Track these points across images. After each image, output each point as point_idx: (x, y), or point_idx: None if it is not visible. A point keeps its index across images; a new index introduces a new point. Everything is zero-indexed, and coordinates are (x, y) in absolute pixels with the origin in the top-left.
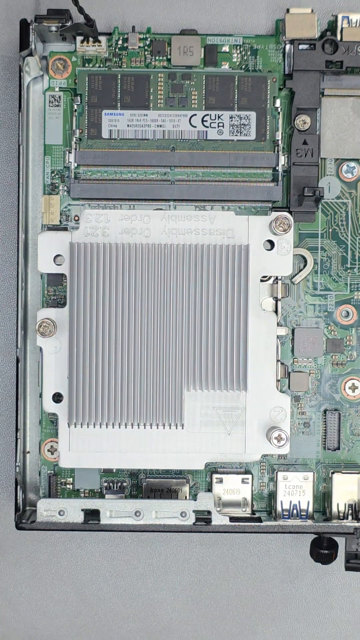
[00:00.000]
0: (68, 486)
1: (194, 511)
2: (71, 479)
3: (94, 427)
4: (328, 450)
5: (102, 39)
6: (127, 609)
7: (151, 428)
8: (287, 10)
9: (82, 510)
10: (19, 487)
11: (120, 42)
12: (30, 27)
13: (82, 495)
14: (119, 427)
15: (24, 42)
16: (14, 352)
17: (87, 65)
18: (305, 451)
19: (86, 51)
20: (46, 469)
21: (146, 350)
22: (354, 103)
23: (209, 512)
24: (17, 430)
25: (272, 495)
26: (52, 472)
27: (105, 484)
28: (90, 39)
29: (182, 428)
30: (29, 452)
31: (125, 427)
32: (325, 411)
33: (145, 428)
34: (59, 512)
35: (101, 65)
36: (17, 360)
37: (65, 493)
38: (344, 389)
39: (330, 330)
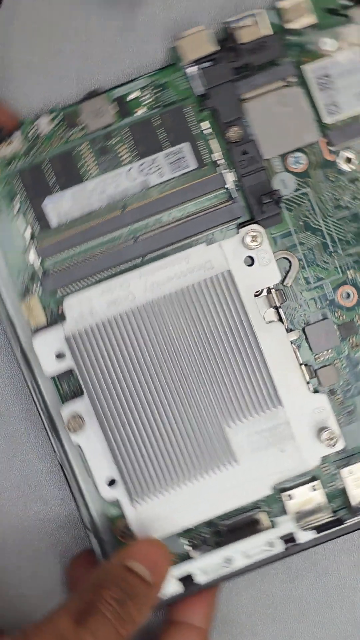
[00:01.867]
0: None
1: (279, 538)
2: None
3: (156, 497)
4: None
5: (15, 134)
6: None
7: (208, 475)
8: (179, 37)
9: (178, 579)
10: None
11: (32, 131)
12: None
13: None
14: (179, 487)
15: None
16: (53, 457)
17: (10, 166)
18: (359, 438)
19: (4, 155)
20: None
21: (174, 404)
22: (274, 96)
23: (293, 534)
24: (85, 527)
25: (345, 491)
26: None
27: (188, 543)
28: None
29: (237, 463)
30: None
31: (185, 485)
32: None
33: (203, 478)
34: None
35: (23, 160)
36: (61, 466)
37: None
38: None
39: (338, 317)
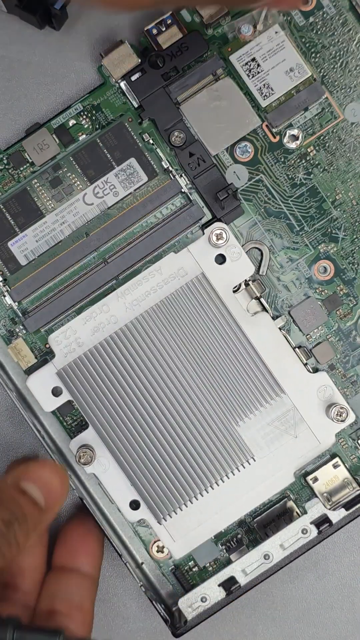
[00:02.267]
0: (194, 569)
1: (311, 523)
2: (192, 561)
3: (181, 510)
4: None
5: None
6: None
7: (229, 477)
8: (102, 55)
9: (219, 585)
10: (154, 602)
11: None
12: None
13: (211, 568)
14: (202, 496)
15: None
16: (73, 494)
17: None
18: None
19: None
20: (167, 568)
21: (179, 416)
22: (207, 92)
23: (326, 515)
24: (120, 555)
25: None
26: (173, 567)
27: (223, 547)
28: None
29: (254, 459)
30: (142, 563)
31: (207, 492)
32: None
33: (224, 482)
34: (201, 599)
35: None
36: (81, 500)
37: (196, 577)
38: None
39: (320, 292)
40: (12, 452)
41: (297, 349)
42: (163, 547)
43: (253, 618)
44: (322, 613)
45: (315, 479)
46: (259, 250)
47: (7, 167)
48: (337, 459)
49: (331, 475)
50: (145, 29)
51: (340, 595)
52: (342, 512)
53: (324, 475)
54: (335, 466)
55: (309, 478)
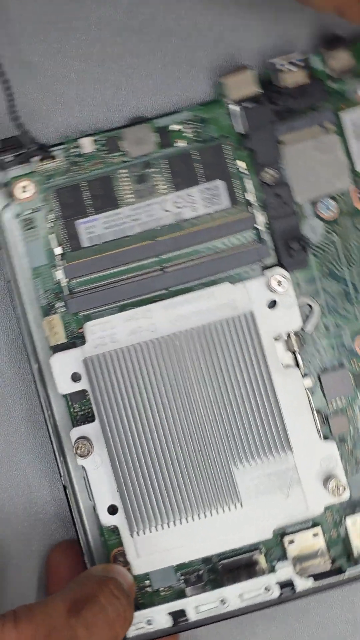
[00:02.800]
0: (147, 589)
1: (277, 583)
2: (148, 581)
3: (156, 530)
4: None
5: (57, 151)
6: None
7: (211, 515)
8: (224, 75)
9: (169, 613)
10: None
11: (75, 149)
12: None
13: (163, 593)
14: (180, 523)
15: None
16: (58, 480)
17: (49, 181)
18: None
19: (45, 169)
20: None
21: (184, 439)
22: (312, 142)
23: (292, 580)
24: (82, 552)
25: (346, 539)
26: None
27: (182, 578)
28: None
29: (241, 504)
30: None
31: (186, 521)
32: None
33: (205, 517)
34: (147, 621)
35: (63, 177)
36: (65, 487)
37: (146, 597)
38: None
39: (355, 366)
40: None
41: (315, 412)
42: (124, 557)
43: (253, 617)
44: (322, 613)
45: (292, 542)
46: (310, 306)
47: (102, 148)
48: (318, 529)
49: (308, 543)
50: (271, 61)
51: (340, 595)
52: (310, 582)
53: (301, 540)
54: (314, 535)
55: (286, 539)
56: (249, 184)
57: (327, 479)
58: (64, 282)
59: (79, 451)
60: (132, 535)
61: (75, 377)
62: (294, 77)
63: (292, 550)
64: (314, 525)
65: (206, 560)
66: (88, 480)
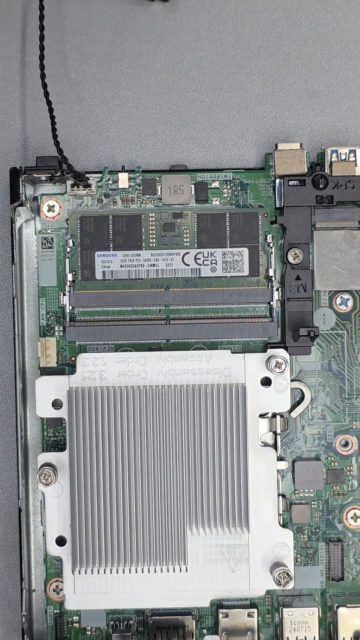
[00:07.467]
0: (75, 625)
1: None
2: (77, 617)
3: (98, 572)
4: (332, 581)
5: (92, 181)
6: None
7: (155, 572)
8: (276, 146)
9: None
10: (24, 630)
11: (110, 182)
12: (20, 178)
13: (89, 633)
14: (123, 572)
15: (14, 192)
16: (16, 500)
17: (78, 206)
18: (309, 582)
19: (77, 194)
20: (52, 609)
21: (147, 492)
22: (345, 235)
23: None
24: (21, 570)
25: (279, 628)
26: (58, 611)
27: (112, 622)
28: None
29: (186, 570)
30: (34, 591)
31: (130, 572)
32: (328, 541)
33: (149, 572)
34: None
35: (92, 206)
36: (20, 511)
37: (72, 632)
38: (346, 519)
39: (330, 461)
40: None
41: (280, 497)
42: (61, 590)
43: None
44: None
45: (226, 615)
46: (302, 393)
47: (137, 187)
48: (254, 610)
49: (241, 620)
50: (325, 148)
51: None
52: None
53: (235, 616)
54: (249, 615)
55: (221, 611)
56: (273, 259)
57: (275, 566)
58: (68, 308)
59: (42, 479)
60: (73, 571)
61: (56, 404)
62: (344, 167)
63: (224, 622)
64: (252, 605)
65: (139, 612)
66: (44, 506)
